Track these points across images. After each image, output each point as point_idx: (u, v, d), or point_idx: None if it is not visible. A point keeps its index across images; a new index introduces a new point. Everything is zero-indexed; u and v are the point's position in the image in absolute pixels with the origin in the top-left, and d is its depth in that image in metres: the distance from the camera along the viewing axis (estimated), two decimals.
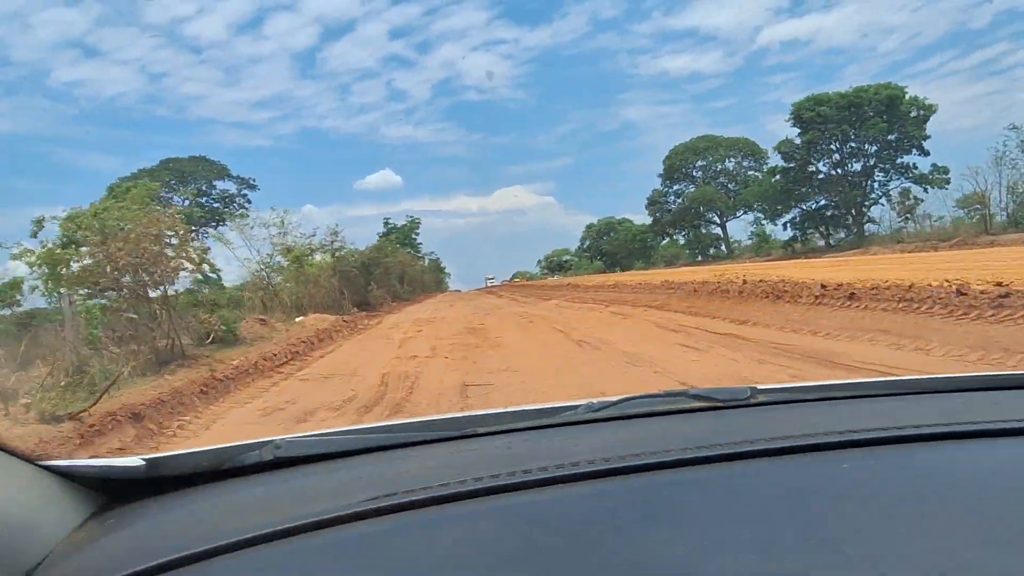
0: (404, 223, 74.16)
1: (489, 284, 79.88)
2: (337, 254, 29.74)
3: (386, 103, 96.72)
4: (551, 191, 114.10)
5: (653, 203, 72.86)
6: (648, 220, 75.12)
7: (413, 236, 73.43)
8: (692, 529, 0.77)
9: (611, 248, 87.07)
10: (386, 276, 38.57)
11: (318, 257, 29.00)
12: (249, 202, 57.20)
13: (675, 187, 71.76)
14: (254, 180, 54.79)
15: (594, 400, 1.30)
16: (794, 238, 50.88)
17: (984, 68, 73.49)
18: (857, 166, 47.47)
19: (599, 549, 0.73)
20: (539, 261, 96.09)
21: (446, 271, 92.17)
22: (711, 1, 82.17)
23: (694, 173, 70.93)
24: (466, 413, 1.52)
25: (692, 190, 70.15)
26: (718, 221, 69.71)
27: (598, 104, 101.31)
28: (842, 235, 48.67)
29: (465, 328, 15.51)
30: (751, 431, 1.08)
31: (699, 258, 69.56)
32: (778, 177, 50.10)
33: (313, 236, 28.53)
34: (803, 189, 48.78)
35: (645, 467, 0.91)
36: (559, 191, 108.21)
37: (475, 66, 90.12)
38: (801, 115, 45.35)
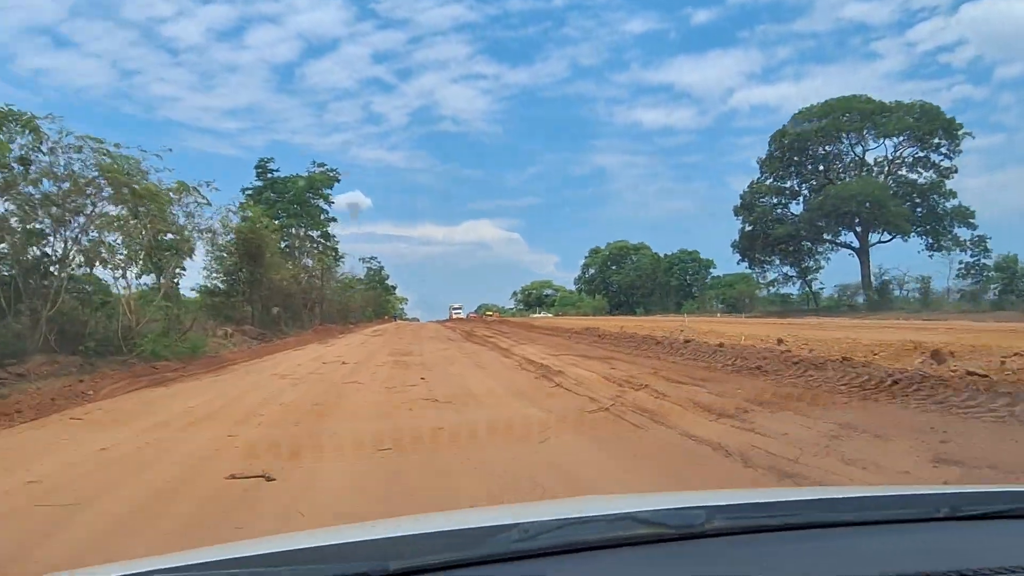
0: (311, 171, 39.30)
1: (455, 315, 65.12)
2: None
3: (361, 125, 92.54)
4: (517, 228, 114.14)
5: (746, 207, 44.29)
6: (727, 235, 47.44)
7: (321, 199, 38.28)
8: None
9: (624, 281, 59.48)
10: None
11: None
12: None
13: (788, 183, 43.54)
14: None
15: (524, 520, 1.12)
16: None
17: None
18: None
19: None
20: (514, 293, 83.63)
21: (396, 293, 75.81)
22: (689, 59, 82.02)
23: (819, 162, 42.95)
24: (389, 531, 1.24)
25: (819, 190, 42.11)
26: (855, 245, 41.63)
27: (570, 148, 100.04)
28: None
29: None
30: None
31: (804, 304, 41.37)
32: None
33: None
34: None
35: None
36: (525, 228, 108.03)
37: (454, 96, 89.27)
38: None
